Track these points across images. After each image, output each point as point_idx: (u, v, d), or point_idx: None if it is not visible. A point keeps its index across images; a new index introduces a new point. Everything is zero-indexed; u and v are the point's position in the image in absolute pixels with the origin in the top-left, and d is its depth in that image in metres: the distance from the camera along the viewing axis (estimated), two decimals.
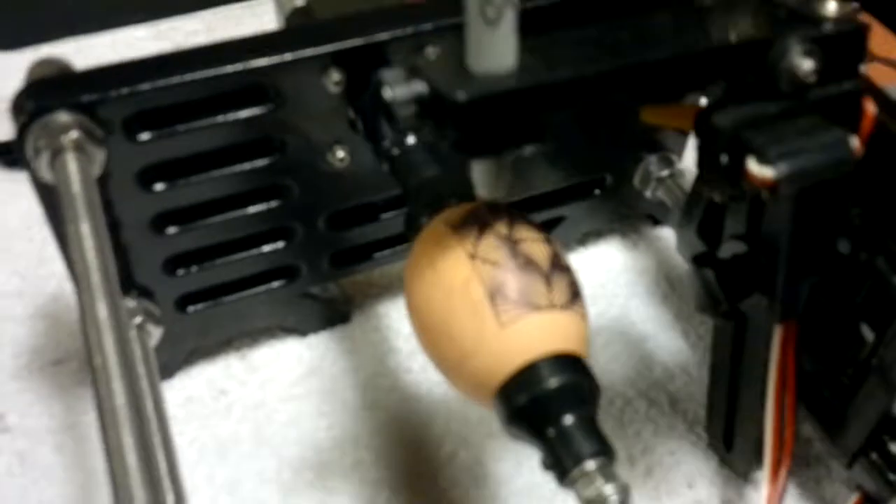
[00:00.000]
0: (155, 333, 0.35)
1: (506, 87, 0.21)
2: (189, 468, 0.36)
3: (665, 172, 0.41)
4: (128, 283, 0.34)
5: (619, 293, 0.42)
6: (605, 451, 0.23)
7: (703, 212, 0.32)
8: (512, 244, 0.25)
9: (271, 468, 0.36)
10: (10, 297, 0.41)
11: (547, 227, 0.42)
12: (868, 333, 0.31)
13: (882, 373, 0.30)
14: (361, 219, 0.37)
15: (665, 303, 0.42)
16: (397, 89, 0.21)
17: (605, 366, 0.40)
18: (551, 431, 0.23)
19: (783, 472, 0.31)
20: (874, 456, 0.32)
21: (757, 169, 0.23)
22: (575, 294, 0.25)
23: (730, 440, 0.35)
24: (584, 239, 0.44)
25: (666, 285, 0.43)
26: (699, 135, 0.25)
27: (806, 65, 0.23)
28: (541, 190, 0.39)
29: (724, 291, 0.30)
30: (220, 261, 0.35)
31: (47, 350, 0.39)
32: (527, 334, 0.24)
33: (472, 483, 0.36)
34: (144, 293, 0.35)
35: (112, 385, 0.22)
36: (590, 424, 0.24)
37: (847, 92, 0.25)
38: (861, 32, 0.25)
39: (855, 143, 0.24)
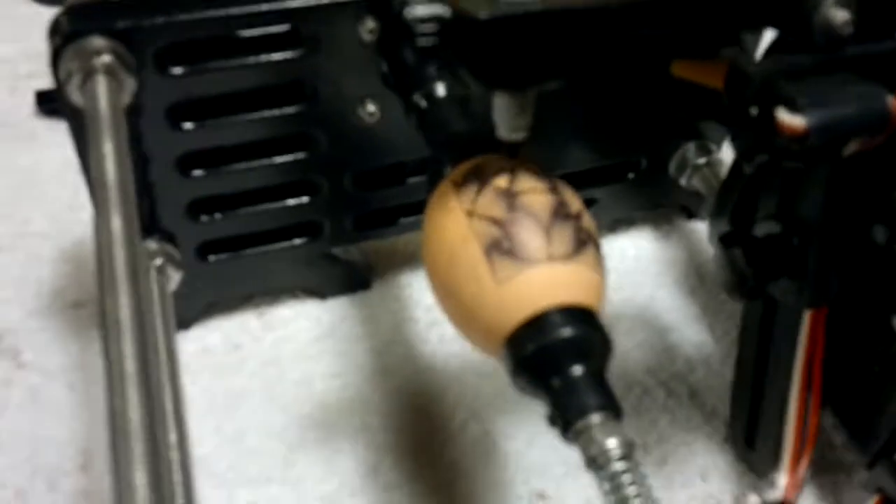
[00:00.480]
0: (175, 277, 0.35)
1: (529, 9, 0.21)
2: (197, 417, 0.35)
3: (702, 160, 0.40)
4: (152, 224, 0.34)
5: (646, 282, 0.42)
6: (611, 407, 0.22)
7: (738, 196, 0.32)
8: (510, 198, 0.24)
9: (278, 424, 0.35)
10: (38, 237, 0.41)
11: None
12: None
13: None
14: (388, 180, 0.36)
15: (692, 295, 0.41)
16: (419, 8, 0.21)
17: (627, 353, 0.39)
18: (557, 382, 0.23)
19: (804, 463, 0.30)
20: None
21: (787, 118, 0.22)
22: (581, 242, 0.24)
23: (752, 437, 0.34)
24: (615, 226, 0.43)
25: (695, 278, 0.42)
26: (729, 89, 0.25)
27: (840, 15, 0.23)
28: (573, 168, 0.39)
29: (753, 271, 0.29)
30: (243, 210, 0.35)
31: (69, 292, 0.39)
32: (525, 289, 0.23)
33: (480, 457, 0.35)
34: (167, 237, 0.35)
35: (119, 301, 0.22)
36: (597, 378, 0.23)
37: (887, 51, 0.24)
38: None
39: (891, 100, 0.23)
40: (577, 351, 0.23)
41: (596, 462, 0.22)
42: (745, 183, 0.31)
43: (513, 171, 0.25)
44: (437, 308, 0.26)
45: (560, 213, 0.25)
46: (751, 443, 0.34)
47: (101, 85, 0.27)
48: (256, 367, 0.37)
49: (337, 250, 0.38)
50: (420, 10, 0.21)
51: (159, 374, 0.31)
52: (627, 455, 0.22)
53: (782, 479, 0.30)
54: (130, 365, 0.21)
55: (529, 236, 0.24)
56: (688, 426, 0.36)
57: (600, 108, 0.38)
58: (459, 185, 0.25)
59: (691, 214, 0.44)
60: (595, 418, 0.22)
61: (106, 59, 0.28)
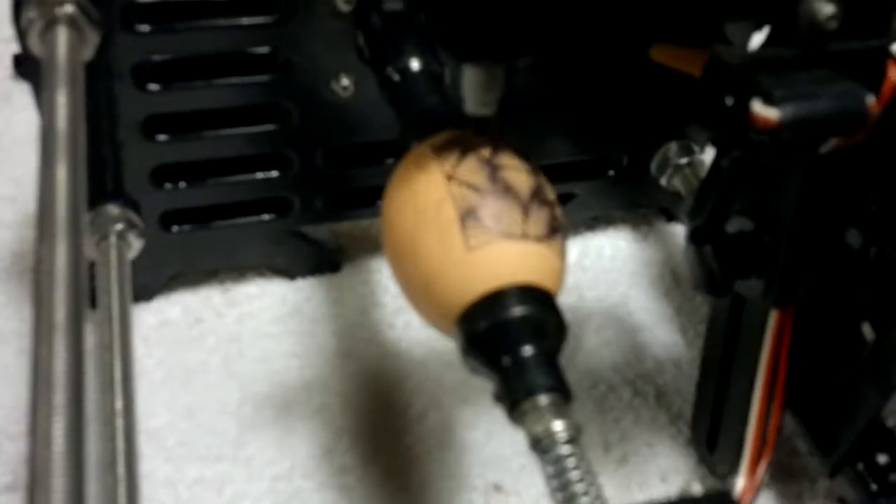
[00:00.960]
0: (135, 245, 0.34)
1: None
2: (152, 390, 0.35)
3: (684, 160, 0.39)
4: (116, 189, 0.33)
5: (621, 281, 0.41)
6: (560, 389, 0.22)
7: (715, 193, 0.31)
8: (492, 169, 0.23)
9: (234, 401, 0.35)
10: (3, 200, 0.41)
11: None
12: (869, 333, 0.29)
13: (877, 371, 0.28)
14: (362, 160, 0.35)
15: (667, 297, 0.40)
16: None
17: (595, 350, 0.38)
18: (507, 360, 0.22)
19: (763, 465, 0.29)
20: (860, 466, 0.30)
21: (761, 110, 0.22)
22: (554, 230, 0.24)
23: (713, 440, 0.33)
24: (594, 224, 0.43)
25: (670, 280, 0.41)
26: (707, 78, 0.24)
27: (826, 9, 0.22)
28: (552, 159, 0.38)
29: (721, 267, 0.28)
30: (209, 181, 0.34)
31: (29, 257, 0.39)
32: (494, 261, 0.22)
33: (436, 445, 0.34)
34: (130, 203, 0.34)
35: (55, 250, 0.21)
36: (549, 360, 0.22)
37: (870, 49, 0.23)
38: None
39: (870, 99, 0.22)
40: (531, 331, 0.22)
41: (540, 444, 0.21)
42: (721, 178, 0.30)
43: (496, 146, 0.25)
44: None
45: (539, 195, 0.24)
46: (712, 445, 0.33)
47: (62, 36, 0.26)
48: (216, 342, 0.37)
49: (307, 229, 0.38)
50: None
51: (110, 339, 0.31)
52: (573, 439, 0.21)
53: (740, 482, 0.29)
54: (60, 314, 0.20)
55: (508, 210, 0.23)
56: (652, 427, 0.36)
57: (584, 100, 0.37)
58: (440, 149, 0.25)
59: (671, 217, 0.43)
60: (543, 399, 0.21)
61: (69, 9, 0.27)
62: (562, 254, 0.24)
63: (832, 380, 0.30)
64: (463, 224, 0.22)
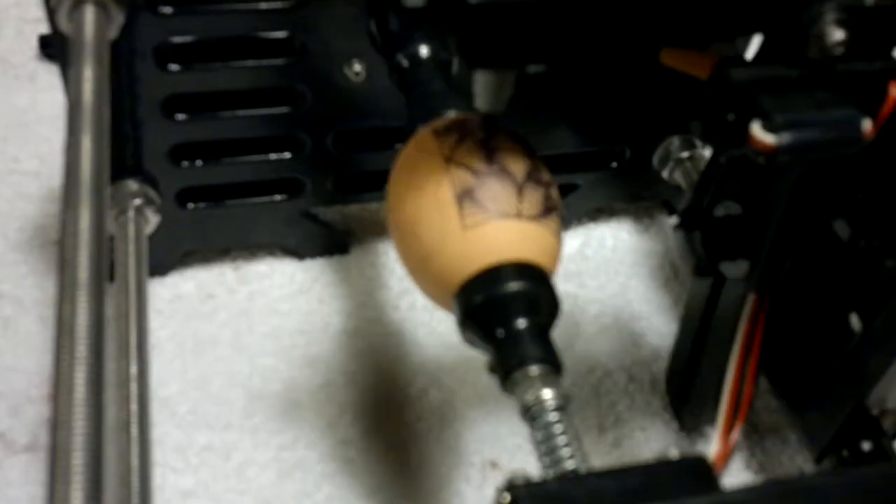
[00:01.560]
0: (152, 220, 0.35)
1: None
2: (165, 361, 0.36)
3: (685, 154, 0.40)
4: (136, 165, 0.35)
5: (620, 271, 0.42)
6: (550, 360, 0.23)
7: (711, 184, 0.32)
8: (489, 151, 0.25)
9: (243, 373, 0.36)
10: (28, 175, 0.42)
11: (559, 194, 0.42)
12: (856, 324, 0.30)
13: (862, 360, 0.29)
14: (372, 144, 0.37)
15: (665, 287, 0.41)
16: None
17: (593, 336, 0.39)
18: (501, 332, 0.23)
19: (735, 432, 0.30)
20: (845, 453, 0.31)
21: (760, 134, 0.22)
22: (548, 209, 0.25)
23: (685, 395, 0.35)
24: (597, 215, 0.44)
25: (670, 271, 0.42)
26: (712, 88, 0.25)
27: (836, 35, 0.23)
28: (555, 150, 0.39)
29: (706, 250, 0.29)
30: (224, 160, 0.35)
31: (51, 230, 0.40)
32: (489, 238, 0.24)
33: (436, 421, 0.35)
34: (149, 179, 0.35)
35: (80, 214, 0.23)
36: (541, 333, 0.23)
37: (875, 71, 0.24)
38: None
39: (867, 125, 0.23)
40: (524, 305, 0.23)
41: (530, 411, 0.22)
42: (718, 173, 0.31)
43: (493, 130, 0.26)
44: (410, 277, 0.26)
45: (534, 176, 0.25)
46: (683, 399, 0.34)
47: (90, 14, 0.28)
48: (227, 317, 0.38)
49: (318, 211, 0.39)
50: None
51: (127, 309, 0.32)
52: (562, 407, 0.22)
53: (714, 447, 0.30)
54: (83, 273, 0.21)
55: (503, 190, 0.24)
56: (646, 412, 0.37)
57: (589, 93, 0.38)
58: (441, 133, 0.26)
59: (673, 211, 0.44)
60: (534, 369, 0.22)
61: None
62: (556, 232, 0.25)
63: (820, 368, 0.31)
64: (460, 204, 0.24)
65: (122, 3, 0.29)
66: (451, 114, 0.27)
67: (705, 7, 0.23)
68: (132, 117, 0.33)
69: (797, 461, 0.35)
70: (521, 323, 0.23)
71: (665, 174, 0.41)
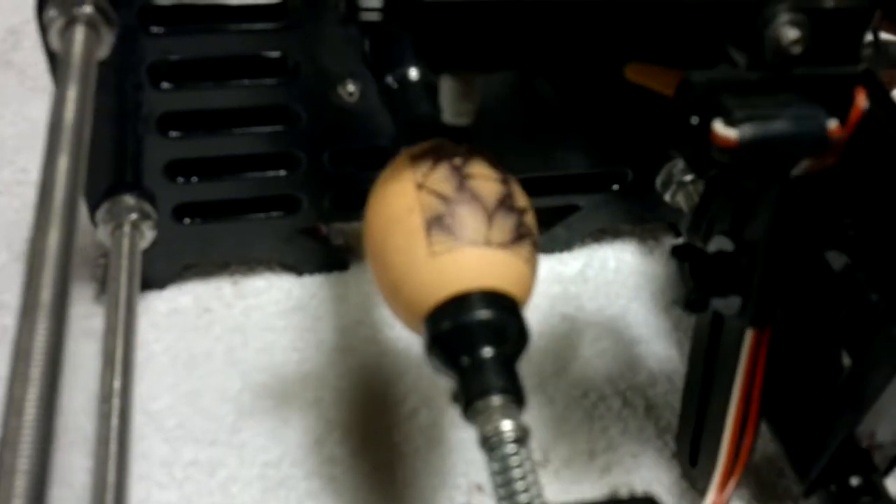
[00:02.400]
0: (148, 235, 0.36)
1: None
2: (157, 374, 0.36)
3: (688, 178, 0.40)
4: (135, 181, 0.35)
5: (622, 294, 0.41)
6: (514, 391, 0.23)
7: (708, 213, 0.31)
8: (461, 178, 0.25)
9: (234, 388, 0.36)
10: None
11: (559, 215, 0.41)
12: (847, 359, 0.30)
13: (852, 394, 0.28)
14: (370, 162, 0.37)
15: (666, 311, 0.41)
16: None
17: (589, 359, 0.39)
18: (465, 360, 0.23)
19: (731, 483, 0.29)
20: (833, 487, 0.30)
21: (721, 130, 0.22)
22: (520, 236, 0.24)
23: (695, 453, 0.34)
24: (600, 236, 0.43)
25: (672, 295, 0.42)
26: (678, 97, 0.25)
27: (790, 34, 0.22)
28: (554, 171, 0.39)
29: (696, 285, 0.29)
30: (221, 177, 0.36)
31: None
32: (457, 266, 0.23)
33: (424, 443, 0.35)
34: (147, 195, 0.35)
35: (48, 236, 0.23)
36: (506, 363, 0.23)
37: (838, 76, 0.24)
38: (862, 14, 0.24)
39: (833, 124, 0.23)
40: (491, 335, 0.23)
41: (488, 442, 0.22)
42: (707, 197, 0.31)
43: (469, 156, 0.26)
44: None
45: (506, 203, 0.25)
46: (693, 459, 0.33)
47: (79, 34, 0.28)
48: (222, 331, 0.38)
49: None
50: None
51: (115, 323, 0.32)
52: (521, 440, 0.22)
53: (709, 497, 0.29)
54: (45, 294, 0.21)
55: (471, 218, 0.24)
56: (639, 438, 0.36)
57: (587, 114, 0.38)
58: (416, 158, 0.26)
59: (678, 233, 0.44)
60: (496, 400, 0.22)
61: (87, 9, 0.28)
62: (529, 260, 0.25)
63: (809, 401, 0.30)
64: (428, 231, 0.24)
65: (113, 24, 0.29)
66: (433, 138, 0.27)
67: (660, 20, 0.23)
68: (131, 133, 0.33)
69: (793, 492, 0.35)
70: (487, 352, 0.23)
71: (668, 197, 0.41)
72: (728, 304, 0.29)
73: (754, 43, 0.23)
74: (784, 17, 0.23)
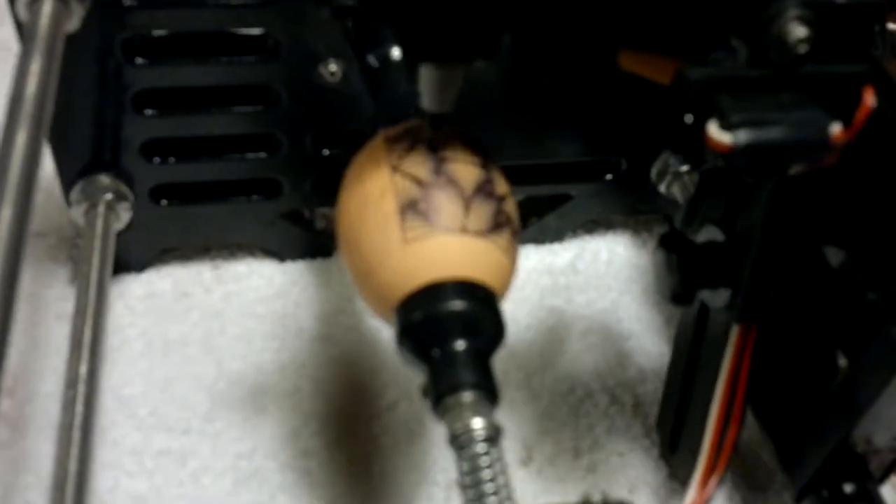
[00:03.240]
0: (123, 217, 0.35)
1: None
2: (131, 360, 0.35)
3: (684, 168, 0.38)
4: (113, 160, 0.34)
5: (613, 287, 0.40)
6: (486, 387, 0.22)
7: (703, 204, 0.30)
8: (438, 162, 0.23)
9: (209, 376, 0.35)
10: None
11: (551, 204, 0.40)
12: (842, 360, 0.28)
13: (846, 397, 0.27)
14: (353, 145, 0.35)
15: (658, 306, 0.40)
16: None
17: (577, 354, 0.38)
18: (436, 353, 0.22)
19: (714, 480, 0.28)
20: (825, 493, 0.29)
21: (715, 133, 0.21)
22: (498, 224, 0.23)
23: (676, 441, 0.33)
24: (592, 227, 0.42)
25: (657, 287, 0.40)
26: (672, 90, 0.23)
27: (798, 31, 0.21)
28: (547, 159, 0.38)
29: (683, 276, 0.28)
30: (199, 158, 0.34)
31: (33, 221, 0.39)
32: (431, 254, 0.22)
33: (404, 436, 0.34)
34: (122, 174, 0.34)
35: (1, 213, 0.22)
36: (479, 358, 0.22)
37: (845, 74, 0.22)
38: (874, 9, 0.23)
39: (836, 129, 0.22)
40: (464, 326, 0.22)
41: (458, 440, 0.21)
42: (701, 190, 0.30)
43: (448, 139, 0.25)
44: None
45: (484, 189, 0.24)
46: (674, 446, 0.32)
47: (48, 5, 0.27)
48: (200, 317, 0.37)
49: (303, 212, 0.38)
50: None
51: (85, 306, 0.31)
52: (492, 438, 0.21)
53: (690, 494, 0.28)
54: None
55: (447, 203, 0.23)
56: (626, 436, 0.35)
57: (581, 101, 0.37)
58: (392, 140, 0.25)
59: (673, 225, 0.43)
60: (467, 396, 0.21)
61: None
62: (507, 248, 0.24)
63: (803, 403, 0.29)
64: (402, 216, 0.22)
65: None
66: (411, 119, 0.26)
67: (660, 12, 0.22)
68: (104, 111, 0.32)
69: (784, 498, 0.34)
70: (459, 345, 0.22)
71: (662, 188, 0.39)
72: (716, 297, 0.28)
73: (758, 37, 0.22)
74: (792, 12, 0.21)
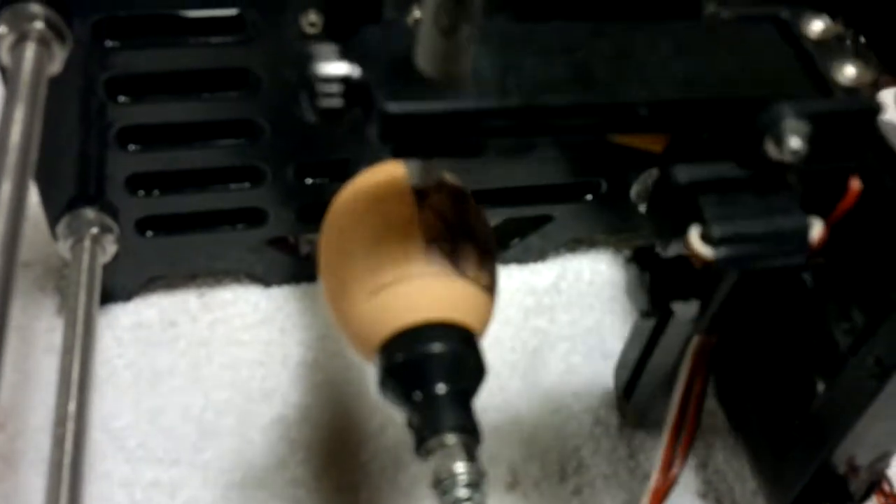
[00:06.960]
0: (109, 250, 0.35)
1: (442, 108, 0.20)
2: (119, 391, 0.36)
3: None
4: (98, 194, 0.34)
5: (595, 306, 0.41)
6: (468, 430, 0.22)
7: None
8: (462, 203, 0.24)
9: (197, 406, 0.35)
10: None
11: (534, 225, 0.41)
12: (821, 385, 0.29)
13: (824, 421, 0.28)
14: (335, 175, 0.36)
15: None
16: (324, 67, 0.20)
17: (560, 375, 0.38)
18: (418, 395, 0.22)
19: (675, 468, 0.29)
20: None
21: (697, 245, 0.21)
22: (480, 266, 0.24)
23: (630, 390, 0.35)
24: (575, 246, 0.43)
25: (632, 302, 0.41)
26: (658, 188, 0.24)
27: (792, 143, 0.21)
28: (526, 182, 0.38)
29: (655, 292, 0.28)
30: (183, 190, 0.35)
31: (28, 253, 0.40)
32: (413, 296, 0.23)
33: (391, 463, 0.35)
34: (107, 208, 0.35)
35: None
36: (461, 399, 0.22)
37: (835, 169, 0.23)
38: (869, 114, 0.23)
39: (816, 232, 0.22)
40: (444, 368, 0.22)
41: (441, 485, 0.21)
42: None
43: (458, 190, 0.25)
44: None
45: (465, 231, 0.24)
46: (628, 394, 0.34)
47: (30, 51, 0.27)
48: (186, 346, 0.37)
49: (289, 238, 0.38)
50: (325, 69, 0.20)
51: (72, 342, 0.32)
52: (475, 484, 0.21)
53: (654, 477, 0.29)
54: None
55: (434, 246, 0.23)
56: (611, 458, 0.36)
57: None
58: (370, 182, 0.25)
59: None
60: (450, 439, 0.22)
61: (38, 26, 0.27)
62: (488, 290, 0.24)
63: (783, 426, 0.30)
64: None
65: (64, 40, 0.28)
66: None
67: (653, 114, 0.22)
68: (88, 147, 0.33)
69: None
70: (441, 387, 0.22)
71: (643, 208, 0.40)
72: (685, 310, 0.29)
73: (751, 141, 0.22)
74: (788, 123, 0.21)
